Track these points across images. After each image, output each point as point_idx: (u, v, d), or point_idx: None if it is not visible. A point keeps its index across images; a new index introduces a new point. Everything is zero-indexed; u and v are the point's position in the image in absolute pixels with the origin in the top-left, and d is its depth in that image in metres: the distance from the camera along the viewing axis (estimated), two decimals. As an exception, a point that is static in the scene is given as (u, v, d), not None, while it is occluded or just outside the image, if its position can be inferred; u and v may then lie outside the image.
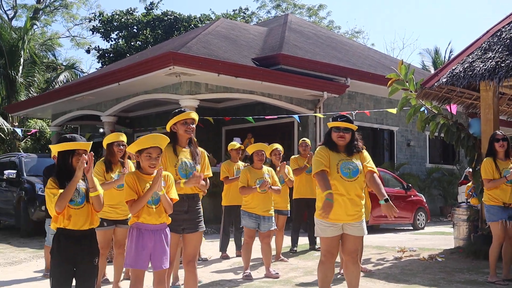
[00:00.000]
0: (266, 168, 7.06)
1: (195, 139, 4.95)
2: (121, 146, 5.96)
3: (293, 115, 13.93)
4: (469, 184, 10.40)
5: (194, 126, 4.85)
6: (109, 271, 6.46)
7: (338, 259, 5.41)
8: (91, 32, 34.47)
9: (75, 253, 3.80)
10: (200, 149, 4.96)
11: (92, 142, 4.07)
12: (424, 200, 14.61)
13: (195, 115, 4.85)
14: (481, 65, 7.85)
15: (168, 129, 4.84)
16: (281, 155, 8.11)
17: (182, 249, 4.85)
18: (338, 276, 6.59)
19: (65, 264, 3.79)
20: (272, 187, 6.79)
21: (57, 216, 3.76)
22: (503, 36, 8.16)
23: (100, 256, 5.66)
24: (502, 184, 6.31)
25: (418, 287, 6.17)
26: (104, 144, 6.01)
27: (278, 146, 8.09)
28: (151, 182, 4.15)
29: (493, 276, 6.37)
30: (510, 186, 6.33)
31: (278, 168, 7.97)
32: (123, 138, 6.02)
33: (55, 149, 3.92)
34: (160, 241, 4.17)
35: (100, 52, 33.22)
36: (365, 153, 4.94)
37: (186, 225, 4.69)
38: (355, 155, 4.81)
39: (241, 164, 8.55)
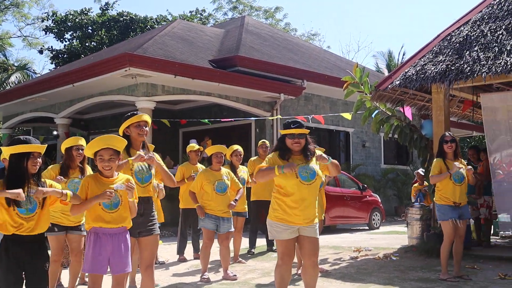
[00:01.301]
0: (224, 170, 7.07)
1: (148, 144, 4.91)
2: (80, 151, 5.78)
3: (250, 118, 13.95)
4: (416, 185, 10.64)
5: (147, 129, 4.81)
6: (65, 277, 6.32)
7: (295, 260, 5.46)
8: (44, 32, 33.61)
9: (24, 258, 3.68)
10: (154, 154, 4.92)
11: (46, 145, 3.95)
12: (379, 200, 14.88)
13: (147, 118, 4.82)
14: (433, 68, 8.07)
15: (120, 132, 4.76)
16: (241, 155, 8.14)
17: (139, 253, 4.80)
18: (295, 277, 6.64)
19: (13, 269, 3.66)
20: (232, 204, 6.94)
21: (5, 225, 3.64)
22: (453, 40, 8.41)
23: (54, 262, 5.56)
24: (451, 184, 6.48)
25: (374, 286, 6.29)
26: (62, 148, 5.83)
27: (238, 147, 8.12)
28: (112, 186, 4.09)
29: (444, 273, 6.55)
30: (459, 186, 6.52)
31: (238, 170, 8.01)
32: (82, 142, 5.85)
33: (8, 151, 3.74)
34: (119, 245, 4.10)
35: (54, 52, 32.46)
36: (318, 152, 4.98)
37: (142, 229, 4.65)
38: (310, 159, 4.84)
39: (199, 166, 8.51)
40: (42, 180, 3.85)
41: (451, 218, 6.47)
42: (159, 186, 7.03)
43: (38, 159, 3.77)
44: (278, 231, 4.81)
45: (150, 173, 4.77)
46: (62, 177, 5.63)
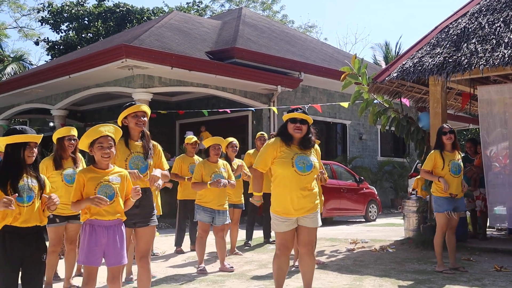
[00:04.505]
0: (221, 162, 7.04)
1: (148, 133, 4.88)
2: (72, 141, 5.80)
3: (248, 108, 13.92)
4: (419, 176, 10.61)
5: (145, 119, 4.76)
6: (61, 268, 6.32)
7: (292, 251, 5.46)
8: (40, 23, 33.48)
9: (22, 250, 3.66)
10: (153, 142, 4.90)
11: (42, 135, 3.90)
12: (376, 193, 14.91)
13: (146, 108, 4.76)
14: (430, 61, 8.05)
15: (119, 122, 4.73)
16: (237, 148, 8.12)
17: (135, 244, 4.79)
18: (292, 269, 6.65)
19: (11, 262, 3.64)
20: (229, 181, 6.82)
21: (3, 214, 3.62)
22: (450, 32, 8.40)
23: (52, 253, 5.56)
24: (448, 176, 6.48)
25: (370, 278, 6.30)
26: (54, 138, 5.82)
27: (233, 139, 8.11)
28: (107, 178, 4.06)
29: (440, 265, 6.57)
30: (456, 178, 6.52)
31: (233, 162, 7.99)
32: (74, 132, 5.87)
33: (3, 141, 3.69)
34: (114, 237, 4.08)
35: (50, 44, 32.32)
36: (318, 149, 5.00)
37: (138, 220, 4.63)
38: (309, 149, 4.87)
39: (196, 158, 8.50)
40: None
41: (447, 211, 6.48)
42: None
43: (34, 149, 3.73)
44: (276, 224, 4.83)
45: (146, 164, 4.72)
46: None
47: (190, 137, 8.66)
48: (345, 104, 12.33)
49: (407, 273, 6.53)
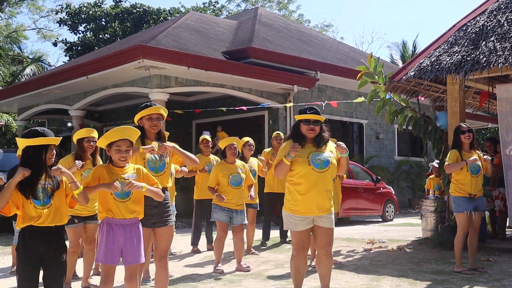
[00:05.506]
0: (239, 163, 7.05)
1: (165, 133, 4.90)
2: (92, 142, 5.88)
3: (264, 104, 13.89)
4: (432, 177, 10.53)
5: (160, 122, 4.75)
6: (79, 267, 6.37)
7: (308, 251, 5.45)
8: (58, 25, 33.83)
9: (42, 250, 3.69)
10: (170, 143, 4.91)
11: (61, 137, 3.95)
12: (393, 192, 14.80)
13: (162, 110, 4.75)
14: (448, 59, 7.98)
15: (136, 122, 4.79)
16: (253, 147, 8.12)
17: (154, 244, 4.81)
18: (309, 269, 6.63)
19: (31, 261, 3.68)
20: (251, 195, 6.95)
21: (23, 217, 3.66)
22: (468, 30, 8.31)
23: (72, 253, 5.61)
24: (468, 176, 6.42)
25: (387, 278, 6.26)
26: (74, 139, 5.91)
27: (250, 139, 8.11)
28: (123, 176, 4.11)
29: (459, 266, 6.51)
30: (475, 178, 6.46)
31: (248, 161, 7.98)
32: (94, 134, 5.94)
33: (25, 143, 3.65)
34: (131, 236, 4.12)
35: (68, 45, 32.65)
36: (334, 145, 4.94)
37: (156, 220, 4.66)
38: (323, 146, 4.83)
39: (212, 157, 8.52)
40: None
41: (466, 210, 6.42)
42: (182, 169, 6.94)
43: (54, 151, 3.78)
44: (292, 222, 4.80)
45: (164, 162, 4.73)
46: (80, 162, 5.69)
47: (201, 138, 8.69)
48: (362, 99, 12.25)
49: (425, 274, 6.48)
